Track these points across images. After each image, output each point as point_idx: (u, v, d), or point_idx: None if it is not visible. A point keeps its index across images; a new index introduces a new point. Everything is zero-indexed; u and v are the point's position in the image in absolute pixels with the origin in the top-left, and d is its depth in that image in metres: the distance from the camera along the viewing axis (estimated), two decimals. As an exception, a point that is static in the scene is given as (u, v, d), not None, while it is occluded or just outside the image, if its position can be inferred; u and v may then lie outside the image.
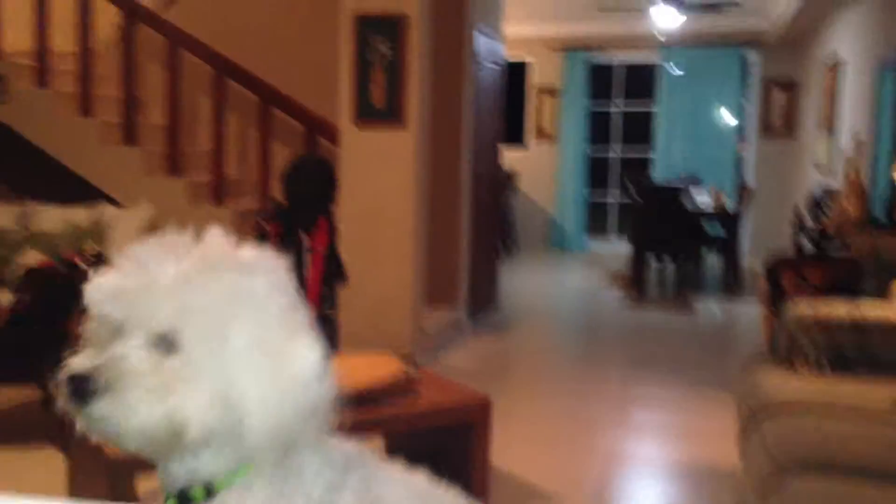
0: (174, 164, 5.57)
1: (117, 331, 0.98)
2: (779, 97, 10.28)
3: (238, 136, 5.90)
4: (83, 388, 0.94)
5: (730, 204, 8.20)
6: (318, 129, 5.36)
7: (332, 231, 4.59)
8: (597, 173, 11.26)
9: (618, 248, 10.52)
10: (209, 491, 1.03)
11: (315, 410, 1.01)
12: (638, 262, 7.94)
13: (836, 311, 3.21)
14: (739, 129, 10.69)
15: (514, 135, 10.76)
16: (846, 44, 7.48)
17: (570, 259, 10.37)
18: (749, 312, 7.14)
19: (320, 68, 5.56)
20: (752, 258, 8.92)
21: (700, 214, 7.97)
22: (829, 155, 7.74)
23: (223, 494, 1.03)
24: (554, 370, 5.37)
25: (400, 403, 2.94)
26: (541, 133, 11.06)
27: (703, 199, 8.50)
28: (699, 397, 4.68)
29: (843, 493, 2.09)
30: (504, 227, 9.56)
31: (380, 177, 4.97)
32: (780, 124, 10.28)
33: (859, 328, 3.12)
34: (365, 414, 2.86)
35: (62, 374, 0.96)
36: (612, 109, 11.11)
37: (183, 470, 1.02)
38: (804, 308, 3.26)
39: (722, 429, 4.06)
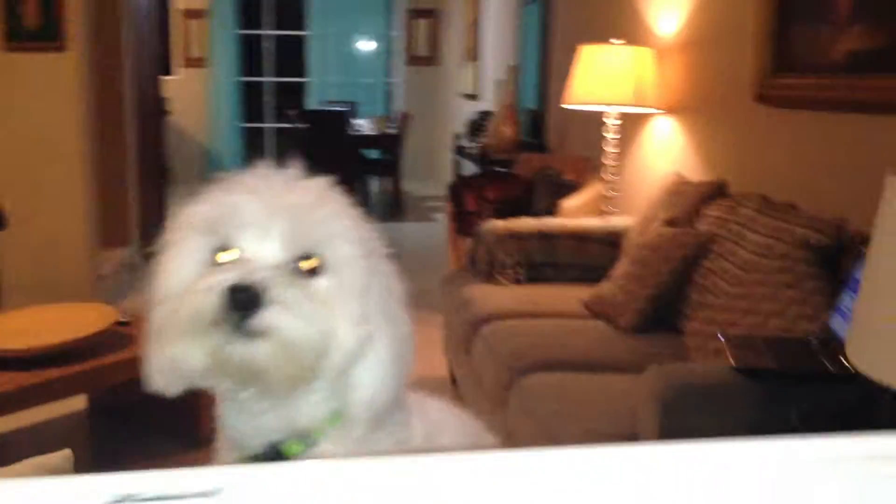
0: None
1: (241, 251, 0.92)
2: (424, 26, 10.78)
3: None
4: (247, 298, 0.85)
5: (389, 129, 8.52)
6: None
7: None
8: (251, 101, 11.03)
9: (277, 177, 10.46)
10: (305, 443, 0.97)
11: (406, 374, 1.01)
12: (305, 190, 7.99)
13: (525, 226, 3.55)
14: (388, 57, 11.07)
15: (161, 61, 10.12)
16: (487, -23, 8.03)
17: (228, 190, 10.12)
18: (413, 233, 7.55)
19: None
20: (412, 182, 9.38)
21: (361, 140, 8.18)
22: (476, 81, 8.33)
23: (321, 444, 0.97)
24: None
25: (115, 353, 2.74)
26: (189, 59, 10.53)
27: (362, 124, 8.73)
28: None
29: (565, 384, 2.37)
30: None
31: (39, 107, 4.45)
32: (425, 52, 10.82)
33: (546, 239, 3.48)
34: (75, 368, 2.63)
35: (213, 287, 0.86)
36: (263, 33, 10.88)
37: (280, 421, 0.96)
38: (498, 224, 3.55)
39: (419, 343, 4.32)
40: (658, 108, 3.84)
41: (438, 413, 1.15)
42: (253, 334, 0.87)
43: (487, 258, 3.48)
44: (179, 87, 10.42)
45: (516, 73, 6.54)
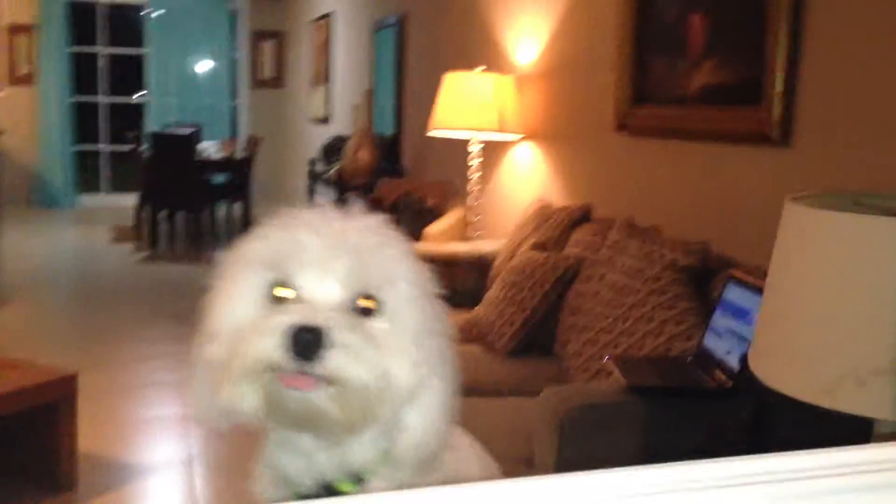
0: None
1: (299, 289, 0.91)
2: (268, 48, 10.63)
3: None
4: (310, 340, 0.84)
5: (238, 153, 8.32)
6: None
7: None
8: (84, 122, 10.47)
9: (114, 202, 9.99)
10: (357, 481, 0.97)
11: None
12: (148, 215, 7.67)
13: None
14: (233, 78, 10.83)
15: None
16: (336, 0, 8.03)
17: (60, 217, 9.55)
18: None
19: None
20: (262, 207, 9.14)
21: (210, 164, 7.95)
22: (327, 105, 8.29)
23: (371, 483, 0.95)
24: (82, 339, 4.97)
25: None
26: (15, 77, 9.88)
27: (210, 148, 8.49)
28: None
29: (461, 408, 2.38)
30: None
31: None
32: (270, 75, 10.66)
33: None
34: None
35: (275, 328, 0.85)
36: (98, 51, 10.37)
37: (333, 460, 0.95)
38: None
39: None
40: (520, 135, 3.96)
41: (454, 439, 1.14)
42: (316, 377, 0.86)
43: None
44: (5, 106, 9.76)
45: (371, 98, 6.55)
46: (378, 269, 0.92)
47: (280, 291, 0.92)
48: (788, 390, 1.24)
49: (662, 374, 2.03)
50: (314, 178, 6.63)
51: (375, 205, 4.74)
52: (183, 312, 5.42)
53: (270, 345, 0.86)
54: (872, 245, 1.19)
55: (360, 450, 0.96)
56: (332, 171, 6.15)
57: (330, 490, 0.96)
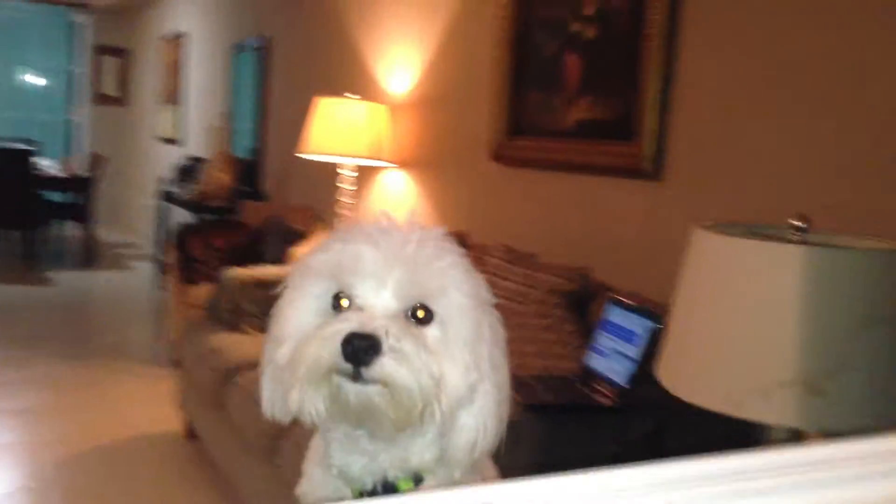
0: None
1: (358, 298, 0.96)
2: (111, 64, 10.19)
3: None
4: (364, 346, 0.90)
5: (80, 171, 7.91)
6: None
7: None
8: None
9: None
10: (416, 480, 1.03)
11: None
12: (-24, 234, 7.15)
13: (269, 273, 3.49)
14: (70, 94, 10.30)
15: None
16: (190, 19, 7.83)
17: None
18: (109, 282, 7.05)
19: None
20: (102, 228, 8.70)
21: (49, 181, 7.52)
22: (177, 126, 8.03)
23: (427, 481, 1.03)
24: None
25: None
26: None
27: (48, 165, 8.03)
28: (99, 369, 4.53)
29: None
30: None
31: None
32: (113, 92, 10.22)
33: (292, 287, 3.45)
34: None
35: (333, 335, 0.91)
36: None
37: (395, 459, 1.01)
38: (241, 272, 3.46)
39: (136, 396, 4.05)
40: (392, 163, 4.00)
41: None
42: (368, 380, 0.93)
43: (231, 307, 3.37)
44: None
45: (228, 120, 6.42)
46: (431, 280, 0.98)
47: (342, 301, 0.98)
48: (698, 401, 1.33)
49: (555, 392, 2.11)
50: (167, 198, 6.41)
51: (239, 227, 4.65)
52: (16, 337, 5.13)
53: (329, 350, 0.92)
54: (776, 269, 1.31)
55: (420, 450, 1.02)
56: (188, 193, 5.96)
57: (390, 488, 1.03)
